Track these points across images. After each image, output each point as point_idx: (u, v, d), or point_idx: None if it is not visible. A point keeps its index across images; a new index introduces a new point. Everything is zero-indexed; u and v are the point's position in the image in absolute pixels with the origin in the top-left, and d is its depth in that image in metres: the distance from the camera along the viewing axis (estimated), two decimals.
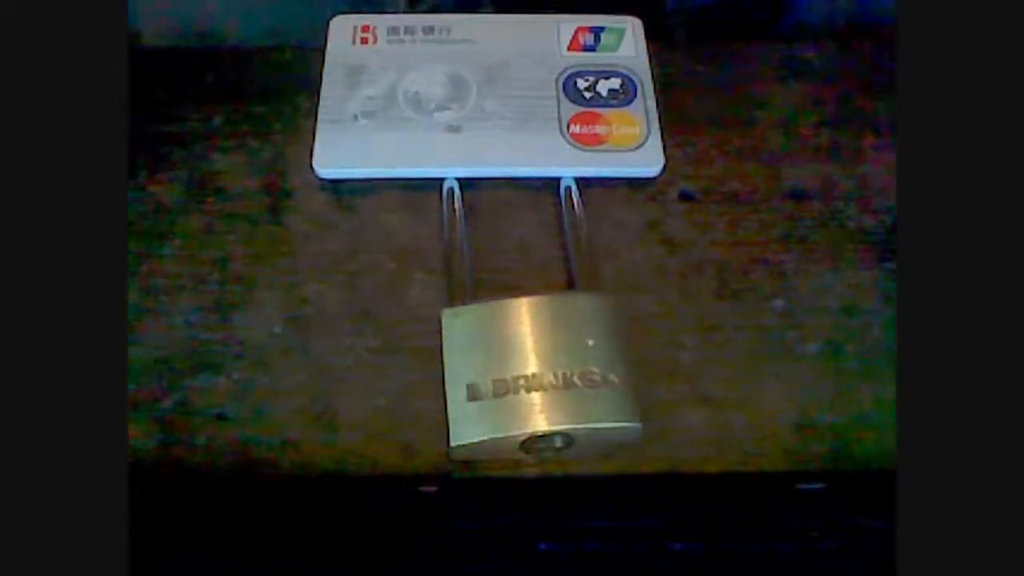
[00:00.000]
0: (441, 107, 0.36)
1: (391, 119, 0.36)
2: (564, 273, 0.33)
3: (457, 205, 0.34)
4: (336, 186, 0.35)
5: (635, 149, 0.35)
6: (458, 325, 0.30)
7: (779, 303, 0.33)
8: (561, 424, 0.29)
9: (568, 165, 0.35)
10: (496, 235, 0.34)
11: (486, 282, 0.33)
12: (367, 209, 0.35)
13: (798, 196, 0.35)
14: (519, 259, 0.34)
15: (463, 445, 0.29)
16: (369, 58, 0.37)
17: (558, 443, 0.29)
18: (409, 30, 0.38)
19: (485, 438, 0.29)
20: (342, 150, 0.35)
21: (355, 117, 0.36)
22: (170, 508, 0.30)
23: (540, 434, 0.29)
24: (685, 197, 0.35)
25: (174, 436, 0.30)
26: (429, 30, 0.38)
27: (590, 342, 0.30)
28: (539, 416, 0.29)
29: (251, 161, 0.35)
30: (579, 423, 0.29)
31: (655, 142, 0.35)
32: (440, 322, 0.30)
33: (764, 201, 0.35)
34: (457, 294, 0.32)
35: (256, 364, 0.31)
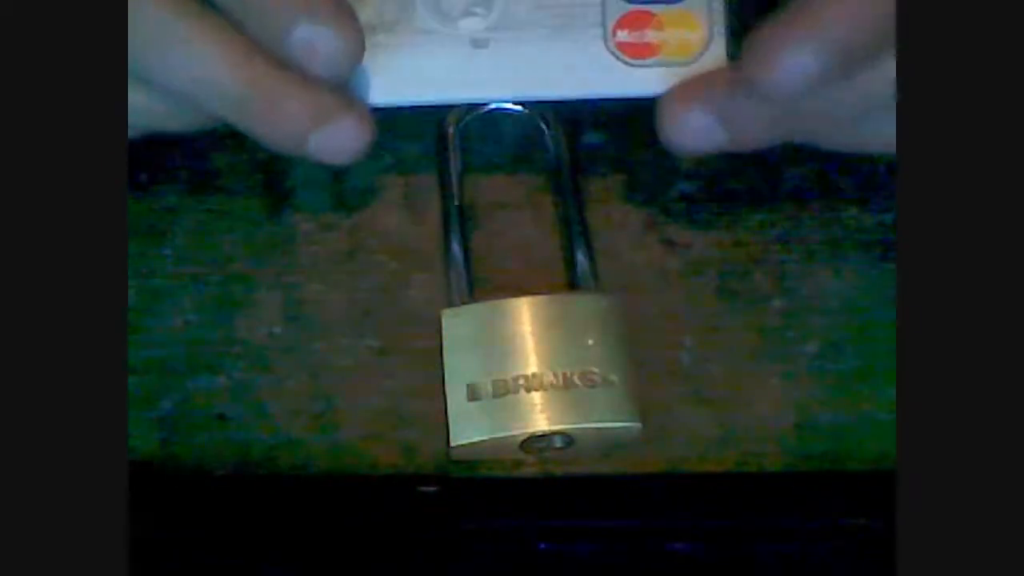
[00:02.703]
0: (466, 11, 0.30)
1: (410, 32, 0.30)
2: (564, 273, 0.33)
3: (457, 204, 0.34)
4: (336, 186, 0.35)
5: (693, 62, 0.29)
6: (458, 325, 0.30)
7: (779, 303, 0.33)
8: (561, 424, 0.29)
9: (612, 88, 0.30)
10: (496, 235, 0.34)
11: (486, 282, 0.33)
12: (367, 209, 0.35)
13: (798, 196, 0.35)
14: (519, 259, 0.34)
15: (463, 445, 0.29)
16: None
17: (558, 443, 0.29)
18: None
19: (485, 438, 0.29)
20: (356, 75, 0.29)
21: (371, 30, 0.29)
22: (170, 508, 0.30)
23: (540, 434, 0.29)
24: (685, 197, 0.35)
25: (174, 436, 0.30)
26: None
27: (590, 342, 0.30)
28: (539, 416, 0.29)
29: (251, 161, 0.35)
30: (579, 423, 0.29)
31: (718, 49, 0.29)
32: (440, 322, 0.30)
33: (764, 201, 0.35)
34: (457, 294, 0.32)
35: (256, 364, 0.31)
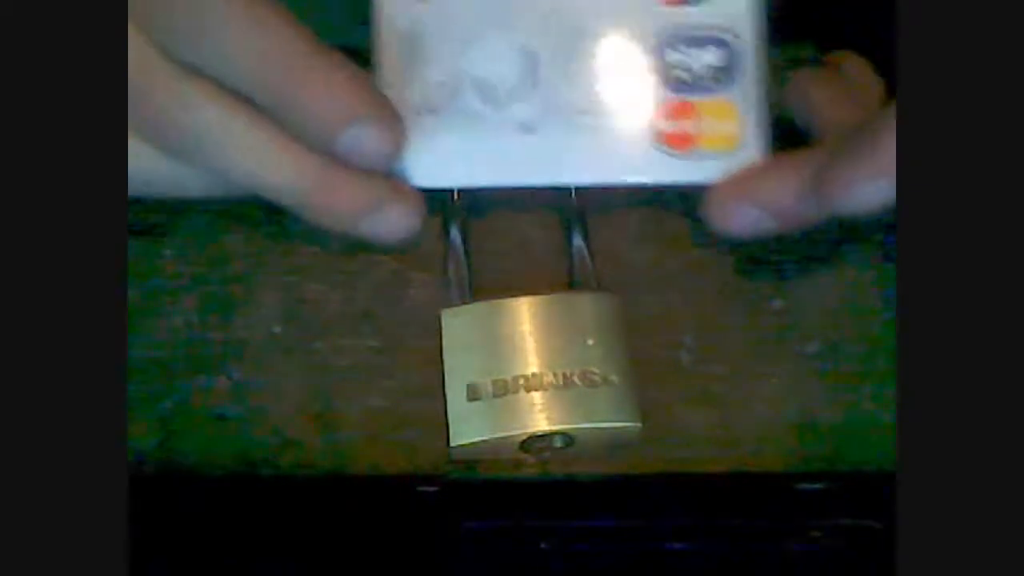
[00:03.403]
0: (513, 94, 0.30)
1: (459, 114, 0.30)
2: (564, 273, 0.33)
3: (457, 204, 0.34)
4: None
5: (734, 152, 0.29)
6: (458, 325, 0.30)
7: (779, 303, 0.33)
8: (561, 424, 0.29)
9: (657, 176, 0.30)
10: (496, 235, 0.34)
11: (486, 282, 0.33)
12: None
13: None
14: (519, 259, 0.34)
15: (463, 445, 0.29)
16: (427, 22, 0.30)
17: (558, 443, 0.29)
18: None
19: (485, 438, 0.29)
20: (408, 157, 0.29)
21: (418, 112, 0.29)
22: (170, 508, 0.30)
23: (540, 434, 0.29)
24: (685, 197, 0.35)
25: (174, 436, 0.30)
26: None
27: (590, 342, 0.30)
28: (539, 416, 0.29)
29: None
30: (579, 423, 0.29)
31: (756, 140, 0.29)
32: (440, 322, 0.30)
33: None
34: (457, 294, 0.32)
35: (256, 364, 0.31)
